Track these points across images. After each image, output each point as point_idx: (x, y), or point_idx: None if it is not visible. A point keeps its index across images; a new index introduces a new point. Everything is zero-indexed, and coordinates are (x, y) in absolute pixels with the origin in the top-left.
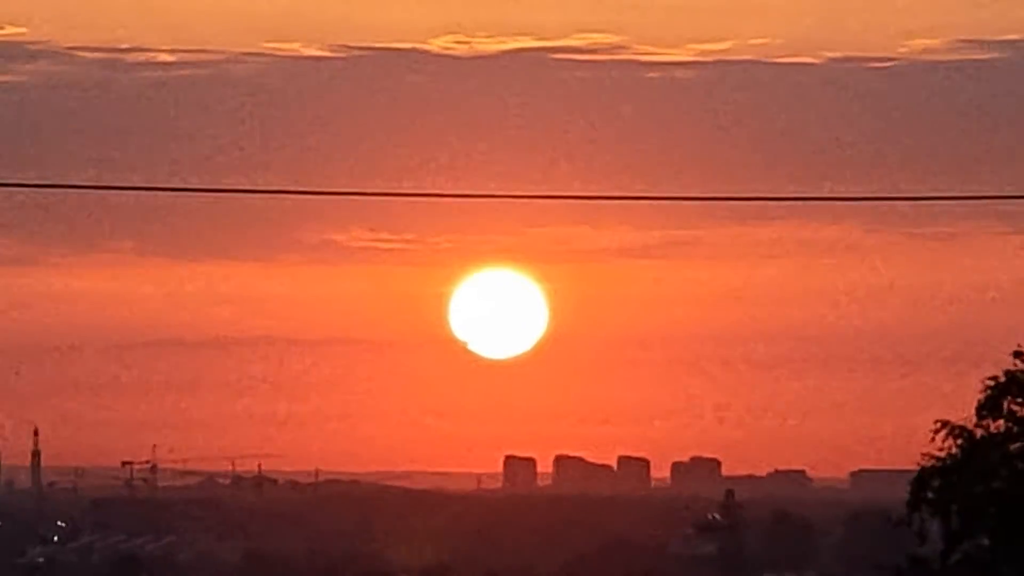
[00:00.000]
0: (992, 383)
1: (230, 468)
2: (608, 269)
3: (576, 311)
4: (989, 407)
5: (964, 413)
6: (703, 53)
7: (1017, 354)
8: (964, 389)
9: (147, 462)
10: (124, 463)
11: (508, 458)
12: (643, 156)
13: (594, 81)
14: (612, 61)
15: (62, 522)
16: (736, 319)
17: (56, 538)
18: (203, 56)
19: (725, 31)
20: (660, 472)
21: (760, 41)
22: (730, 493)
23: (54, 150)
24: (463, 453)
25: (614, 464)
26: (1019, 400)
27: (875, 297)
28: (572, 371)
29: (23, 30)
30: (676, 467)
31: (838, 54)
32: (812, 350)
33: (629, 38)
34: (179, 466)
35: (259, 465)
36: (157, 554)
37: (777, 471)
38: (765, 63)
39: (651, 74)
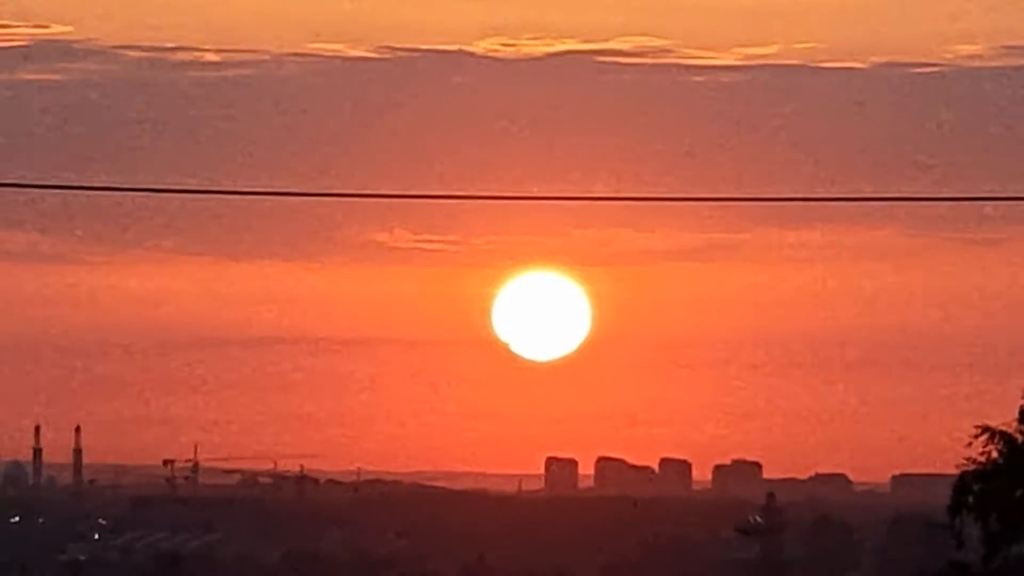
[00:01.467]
0: None
1: (272, 467)
2: (651, 272)
3: (619, 313)
4: None
5: (1007, 417)
6: (749, 57)
7: None
8: (1007, 393)
9: (188, 460)
10: (166, 461)
11: (549, 459)
12: (688, 159)
13: (639, 84)
14: (658, 64)
15: (103, 519)
16: (778, 322)
17: (97, 535)
18: (248, 56)
19: (771, 35)
20: (702, 474)
21: (806, 46)
22: (771, 496)
23: (98, 148)
24: (504, 454)
25: (656, 466)
26: None
27: (917, 301)
28: (614, 373)
29: (69, 29)
30: (718, 470)
31: (884, 59)
32: (855, 354)
33: (675, 41)
34: (221, 465)
35: (301, 465)
36: (198, 552)
37: (818, 474)
38: (811, 67)
39: (696, 78)
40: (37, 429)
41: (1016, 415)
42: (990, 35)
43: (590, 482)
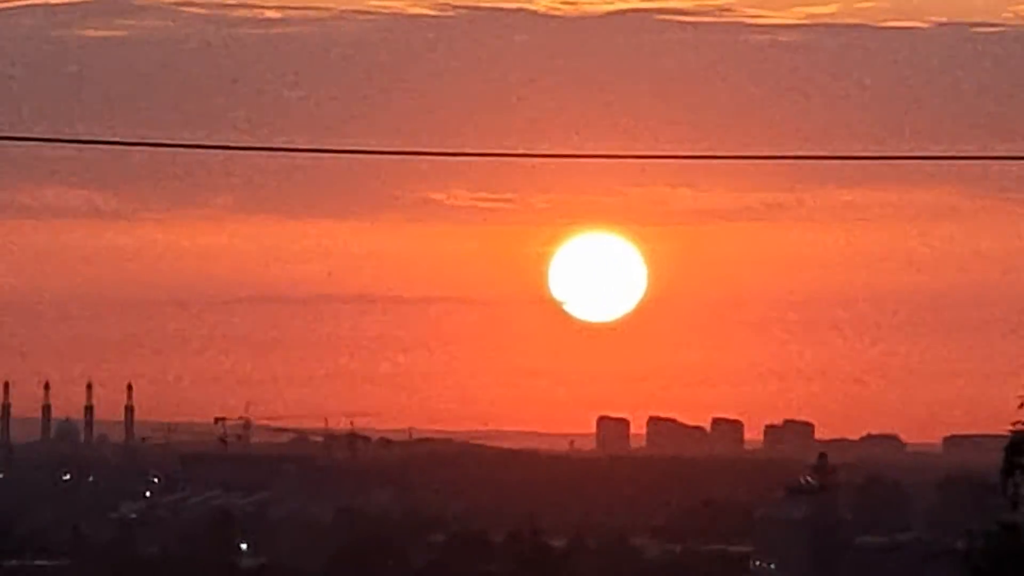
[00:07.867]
0: None
1: (323, 425)
2: (707, 231)
3: (673, 273)
4: None
5: None
6: (809, 16)
7: None
8: None
9: (240, 418)
10: (217, 419)
11: (601, 419)
12: (747, 118)
13: (699, 43)
14: (718, 23)
15: (154, 477)
16: (833, 282)
17: (148, 493)
18: (308, 13)
19: None
20: (753, 434)
21: (866, 5)
22: (823, 457)
23: (157, 105)
24: (556, 413)
25: (707, 426)
26: None
27: (971, 261)
28: (666, 333)
29: None
30: (769, 430)
31: (944, 19)
32: (908, 314)
33: (736, 0)
34: (272, 423)
35: (352, 423)
36: (249, 511)
37: (870, 435)
38: (871, 27)
39: (757, 37)
40: (89, 386)
41: None
42: None
43: (642, 442)
